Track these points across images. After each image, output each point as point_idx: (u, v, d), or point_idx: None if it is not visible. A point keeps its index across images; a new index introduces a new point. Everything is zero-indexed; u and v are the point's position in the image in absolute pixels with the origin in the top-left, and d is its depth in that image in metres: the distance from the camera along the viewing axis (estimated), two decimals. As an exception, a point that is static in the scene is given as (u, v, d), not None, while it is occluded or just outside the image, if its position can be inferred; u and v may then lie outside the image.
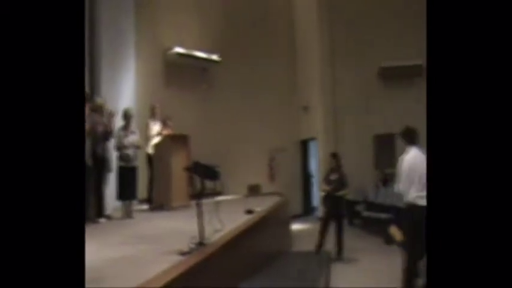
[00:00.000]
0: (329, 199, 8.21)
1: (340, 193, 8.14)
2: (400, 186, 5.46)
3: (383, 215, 9.74)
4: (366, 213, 11.27)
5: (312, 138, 14.31)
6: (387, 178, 11.29)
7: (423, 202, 4.93)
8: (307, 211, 14.88)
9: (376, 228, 10.21)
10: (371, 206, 11.14)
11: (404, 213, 5.52)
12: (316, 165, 14.47)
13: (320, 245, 8.18)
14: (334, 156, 8.56)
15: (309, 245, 8.34)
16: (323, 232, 8.21)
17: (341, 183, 8.15)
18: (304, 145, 15.14)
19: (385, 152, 12.30)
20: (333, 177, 8.22)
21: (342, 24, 13.47)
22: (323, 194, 8.46)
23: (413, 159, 5.35)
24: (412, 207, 5.23)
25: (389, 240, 8.22)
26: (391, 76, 13.02)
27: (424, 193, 4.96)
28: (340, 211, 8.22)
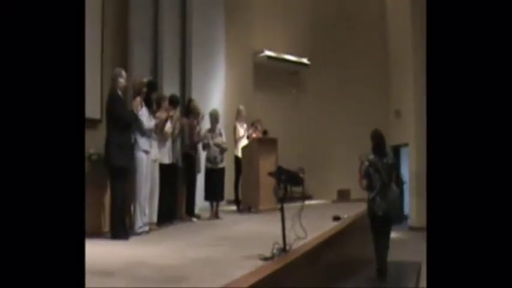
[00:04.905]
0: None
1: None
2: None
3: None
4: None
5: (404, 144, 13.67)
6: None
7: None
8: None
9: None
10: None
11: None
12: (407, 172, 13.82)
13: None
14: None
15: (399, 255, 7.85)
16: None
17: None
18: (395, 151, 14.50)
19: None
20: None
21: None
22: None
23: None
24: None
25: None
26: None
27: None
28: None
